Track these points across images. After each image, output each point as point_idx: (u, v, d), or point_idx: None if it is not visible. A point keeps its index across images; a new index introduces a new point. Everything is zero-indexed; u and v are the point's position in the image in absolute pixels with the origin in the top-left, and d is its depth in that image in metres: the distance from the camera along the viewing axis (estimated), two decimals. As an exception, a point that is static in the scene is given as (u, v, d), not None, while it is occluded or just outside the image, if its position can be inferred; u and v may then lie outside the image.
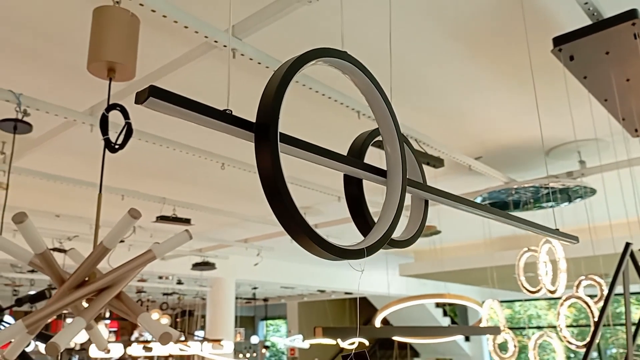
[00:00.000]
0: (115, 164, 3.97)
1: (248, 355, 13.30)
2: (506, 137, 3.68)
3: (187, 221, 4.59)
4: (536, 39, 2.40)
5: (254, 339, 12.63)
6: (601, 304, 3.65)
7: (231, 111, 0.74)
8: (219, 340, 5.44)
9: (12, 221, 1.45)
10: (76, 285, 1.62)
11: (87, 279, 1.69)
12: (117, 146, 1.76)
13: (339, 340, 11.76)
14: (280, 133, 0.74)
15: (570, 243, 1.70)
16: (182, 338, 5.47)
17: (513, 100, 3.09)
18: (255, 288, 11.51)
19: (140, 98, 0.63)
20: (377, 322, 4.91)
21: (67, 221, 5.31)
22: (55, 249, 5.89)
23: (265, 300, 14.29)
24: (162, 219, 4.49)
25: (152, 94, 0.61)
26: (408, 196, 1.18)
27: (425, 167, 3.40)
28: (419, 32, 2.41)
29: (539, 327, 13.51)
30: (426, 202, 1.27)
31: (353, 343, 11.75)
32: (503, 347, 4.21)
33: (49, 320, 1.61)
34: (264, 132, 0.73)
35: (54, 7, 2.18)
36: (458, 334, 4.37)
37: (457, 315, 14.65)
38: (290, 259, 9.35)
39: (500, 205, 4.62)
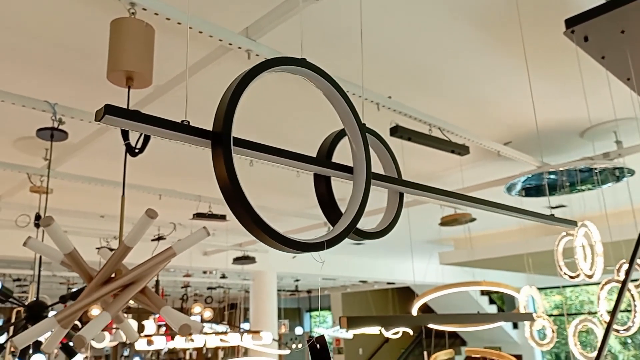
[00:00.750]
0: (152, 165, 4.13)
1: (294, 346, 13.50)
2: (536, 121, 3.62)
3: (222, 217, 4.72)
4: (557, 20, 2.36)
5: (299, 330, 12.82)
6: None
7: (189, 122, 0.80)
8: (258, 332, 5.59)
9: (41, 225, 1.56)
10: (103, 282, 1.73)
11: (114, 275, 1.80)
12: (137, 150, 1.87)
13: (382, 330, 11.81)
14: (237, 138, 0.80)
15: (570, 228, 1.69)
16: (207, 329, 5.66)
17: (540, 84, 3.04)
18: (297, 280, 11.67)
19: (98, 116, 0.70)
20: (414, 311, 4.92)
21: (112, 221, 5.55)
22: (101, 247, 6.16)
23: (309, 292, 14.46)
24: (199, 216, 4.64)
25: (107, 112, 0.68)
26: (385, 191, 1.22)
27: (450, 155, 3.40)
28: (437, 22, 2.41)
29: (590, 313, 13.13)
30: (401, 195, 1.30)
31: (397, 332, 11.79)
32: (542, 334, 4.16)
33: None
34: (218, 139, 0.79)
35: (77, 20, 2.30)
36: (487, 321, 4.33)
37: (505, 303, 14.40)
38: (330, 250, 9.44)
39: (536, 189, 4.54)
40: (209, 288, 10.33)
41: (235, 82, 0.88)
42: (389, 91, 3.00)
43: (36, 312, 2.53)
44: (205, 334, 5.25)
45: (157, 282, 5.82)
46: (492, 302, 13.89)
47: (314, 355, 1.10)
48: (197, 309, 5.58)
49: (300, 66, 1.03)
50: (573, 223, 1.70)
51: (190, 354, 8.92)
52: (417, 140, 3.09)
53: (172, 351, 14.66)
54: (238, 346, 7.72)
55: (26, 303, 2.60)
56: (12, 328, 3.03)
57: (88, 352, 14.72)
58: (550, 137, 3.90)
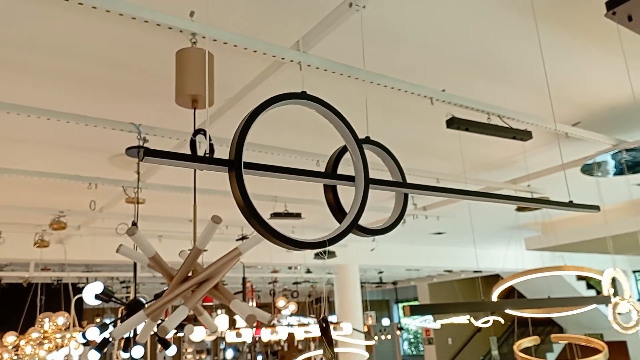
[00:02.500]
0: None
1: (383, 337, 13.65)
2: (605, 99, 3.51)
3: (298, 215, 4.97)
4: None
5: (385, 322, 12.94)
6: None
7: (209, 155, 0.99)
8: (338, 323, 5.79)
9: (127, 234, 1.84)
10: (182, 280, 1.99)
11: (190, 274, 2.06)
12: (204, 164, 2.11)
13: (471, 319, 11.64)
14: (247, 163, 0.98)
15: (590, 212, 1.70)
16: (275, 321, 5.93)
17: (602, 60, 2.98)
18: (380, 272, 11.79)
19: (140, 156, 0.91)
20: (494, 297, 4.89)
21: (199, 224, 5.99)
22: (182, 250, 6.66)
23: (394, 283, 14.52)
24: (276, 215, 4.92)
25: (146, 154, 0.88)
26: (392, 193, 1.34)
27: (513, 142, 3.40)
28: (486, 9, 2.46)
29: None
30: (405, 196, 1.41)
31: (487, 322, 11.55)
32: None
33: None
34: (231, 166, 0.97)
35: (154, 50, 2.60)
36: (563, 305, 4.22)
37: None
38: (412, 241, 9.48)
39: (616, 168, 4.36)
40: (294, 283, 10.73)
41: (244, 119, 1.06)
42: (444, 84, 3.07)
43: (134, 309, 2.87)
44: (290, 326, 5.54)
45: (244, 279, 6.20)
46: (590, 287, 13.21)
47: (322, 331, 1.26)
48: (281, 302, 5.89)
49: (301, 99, 1.19)
50: (595, 208, 1.71)
51: (282, 346, 9.33)
52: (475, 130, 3.13)
53: (266, 344, 15.34)
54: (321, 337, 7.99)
55: (126, 302, 2.96)
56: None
57: (190, 347, 15.71)
58: (623, 114, 3.76)
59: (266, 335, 5.69)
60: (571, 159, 4.24)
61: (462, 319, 11.14)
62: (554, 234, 7.64)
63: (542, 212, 5.83)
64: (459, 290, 13.76)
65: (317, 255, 7.64)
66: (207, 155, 1.00)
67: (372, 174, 1.55)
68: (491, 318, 11.02)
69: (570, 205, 1.68)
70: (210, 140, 2.11)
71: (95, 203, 4.24)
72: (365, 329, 12.49)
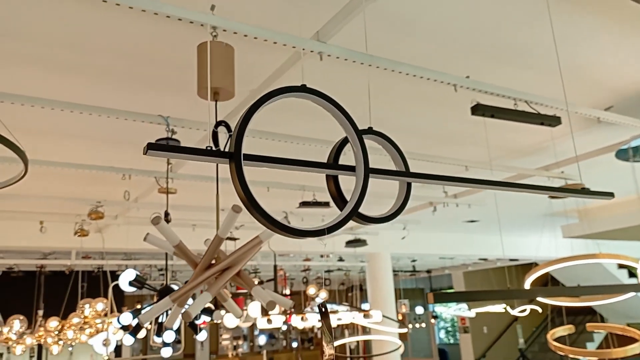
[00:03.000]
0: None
1: (417, 325, 13.62)
2: (638, 82, 3.40)
3: (326, 204, 5.01)
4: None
5: (419, 310, 12.91)
6: None
7: (211, 147, 1.03)
8: (367, 311, 5.84)
9: (151, 223, 1.91)
10: (205, 267, 2.06)
11: (214, 261, 2.13)
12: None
13: (508, 308, 11.48)
14: (248, 155, 1.02)
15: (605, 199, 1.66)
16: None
17: (634, 41, 2.88)
18: (414, 261, 11.75)
19: (144, 151, 0.96)
20: (527, 285, 4.83)
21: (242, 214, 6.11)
22: (227, 238, 6.80)
23: (429, 272, 14.44)
24: (304, 204, 4.97)
25: (150, 147, 0.93)
26: (395, 183, 1.36)
27: (542, 128, 3.34)
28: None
29: None
30: (408, 185, 1.42)
31: (524, 310, 11.38)
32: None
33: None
34: (232, 157, 1.01)
35: (179, 40, 2.67)
36: (597, 293, 4.12)
37: (647, 276, 13.20)
38: (446, 229, 9.40)
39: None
40: (326, 271, 10.82)
41: (245, 112, 1.10)
42: (467, 71, 3.04)
43: (165, 295, 2.98)
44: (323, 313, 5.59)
45: (275, 266, 6.30)
46: (632, 275, 12.82)
47: (322, 316, 1.29)
48: (311, 290, 5.97)
49: (301, 91, 1.21)
50: (609, 195, 1.67)
51: (316, 333, 9.44)
52: (501, 116, 3.09)
53: (301, 331, 15.54)
54: (360, 326, 8.07)
55: (158, 289, 3.08)
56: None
57: (227, 333, 16.05)
58: (659, 97, 3.63)
59: (297, 322, 5.78)
60: (604, 145, 4.13)
61: (498, 308, 11.00)
62: (590, 221, 7.45)
63: (578, 199, 5.69)
64: (494, 279, 13.57)
65: (348, 243, 7.68)
66: (208, 148, 1.04)
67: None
68: (528, 307, 10.84)
69: (583, 192, 1.65)
70: (230, 131, 2.17)
71: (129, 193, 4.39)
72: (400, 317, 12.50)
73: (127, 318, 2.79)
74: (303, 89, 1.28)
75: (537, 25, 2.70)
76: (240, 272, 2.10)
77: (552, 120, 3.21)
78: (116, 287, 3.77)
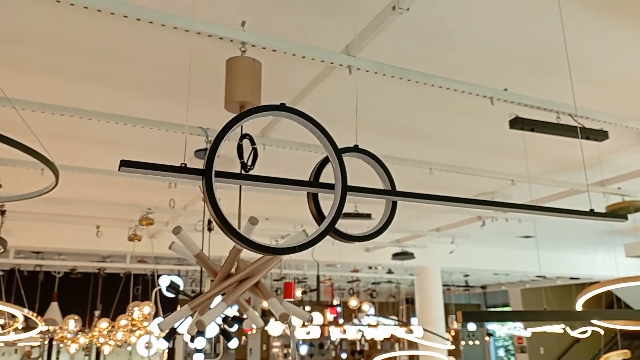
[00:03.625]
0: (299, 170, 4.56)
1: (470, 342, 13.21)
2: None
3: (368, 216, 4.98)
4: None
5: (471, 326, 12.51)
6: None
7: (186, 164, 1.05)
8: (408, 325, 5.72)
9: (172, 233, 1.98)
10: (225, 277, 2.10)
11: (234, 270, 2.17)
12: (249, 167, 2.21)
13: (567, 328, 10.94)
14: (223, 172, 1.03)
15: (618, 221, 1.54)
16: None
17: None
18: (466, 275, 11.43)
19: (120, 167, 0.99)
20: (578, 306, 4.59)
21: (277, 222, 6.20)
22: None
23: (483, 287, 13.99)
24: (345, 215, 4.97)
25: (122, 164, 0.96)
26: (382, 201, 1.33)
27: (588, 142, 3.19)
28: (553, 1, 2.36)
29: None
30: (394, 203, 1.39)
31: (584, 332, 10.79)
32: None
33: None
34: (203, 175, 1.03)
35: (215, 54, 2.76)
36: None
37: None
38: (499, 244, 9.10)
39: None
40: (373, 283, 10.72)
41: (219, 131, 1.12)
42: (506, 83, 2.95)
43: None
44: (364, 325, 5.56)
45: (318, 277, 6.32)
46: None
47: None
48: (353, 302, 5.94)
49: (280, 110, 1.22)
50: (622, 217, 1.56)
51: (363, 345, 9.37)
52: (542, 130, 2.98)
53: (352, 342, 15.46)
54: (408, 340, 7.93)
55: (192, 295, 3.16)
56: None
57: (278, 341, 16.15)
58: None
59: (336, 333, 5.77)
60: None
61: (556, 328, 10.51)
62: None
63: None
64: (553, 298, 12.97)
65: (395, 256, 7.59)
66: (183, 166, 1.07)
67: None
68: (589, 328, 10.29)
69: (592, 214, 1.56)
70: (254, 144, 2.21)
71: (175, 201, 4.54)
72: (452, 333, 12.17)
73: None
74: (282, 107, 1.29)
75: (581, 35, 2.59)
76: (259, 282, 2.13)
77: (599, 135, 3.06)
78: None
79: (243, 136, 2.19)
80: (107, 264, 8.08)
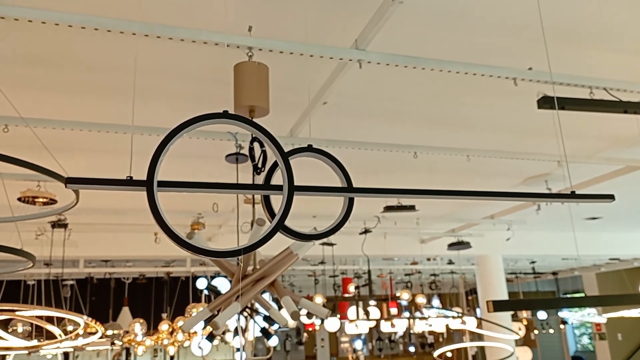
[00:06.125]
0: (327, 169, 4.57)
1: (544, 331, 12.72)
2: None
3: (411, 208, 4.93)
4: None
5: (542, 315, 12.02)
6: None
7: (131, 177, 1.09)
8: (461, 316, 5.58)
9: (187, 237, 2.05)
10: (241, 277, 2.16)
11: (251, 271, 2.23)
12: (260, 169, 2.26)
13: (646, 313, 10.30)
14: (165, 181, 1.07)
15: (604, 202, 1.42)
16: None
17: None
18: (533, 262, 11.00)
19: (66, 184, 1.05)
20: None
21: (325, 219, 6.23)
22: (324, 243, 6.96)
23: (555, 274, 13.40)
24: (389, 208, 4.93)
25: (68, 181, 1.02)
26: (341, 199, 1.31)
27: (625, 116, 3.00)
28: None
29: None
30: (351, 200, 1.36)
31: (666, 316, 10.11)
32: None
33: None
34: (144, 186, 1.06)
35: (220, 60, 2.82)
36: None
37: None
38: (565, 227, 8.69)
39: None
40: (432, 275, 10.54)
41: (161, 141, 1.16)
42: (531, 61, 2.83)
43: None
44: (408, 318, 5.50)
45: (369, 271, 6.30)
46: None
47: None
48: (405, 295, 5.88)
49: (223, 118, 1.24)
50: (610, 197, 1.44)
51: (427, 339, 9.24)
52: (574, 108, 2.83)
53: (421, 335, 15.27)
54: (474, 332, 7.75)
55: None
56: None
57: (346, 337, 16.23)
58: None
59: (386, 327, 5.74)
60: None
61: (634, 313, 9.89)
62: None
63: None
64: (629, 281, 12.22)
65: (450, 246, 7.43)
66: (128, 179, 1.12)
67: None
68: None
69: (573, 196, 1.46)
70: (262, 147, 2.25)
71: (218, 205, 4.68)
72: (524, 323, 11.75)
73: (199, 325, 3.01)
74: (225, 115, 1.31)
75: (614, 4, 2.44)
76: (275, 281, 2.17)
77: (637, 108, 2.87)
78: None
79: (253, 139, 2.24)
80: (170, 268, 8.45)
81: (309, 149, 1.51)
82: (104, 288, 8.79)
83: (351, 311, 5.89)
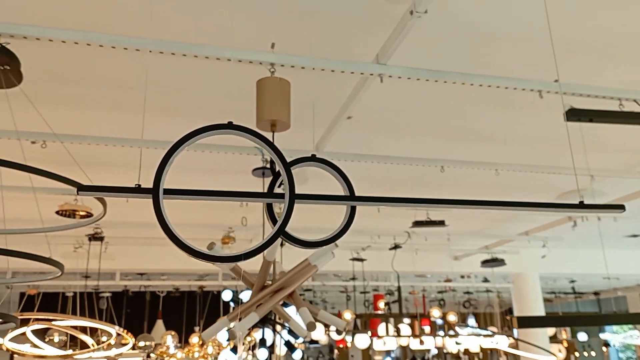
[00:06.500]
0: (368, 181, 4.56)
1: (586, 353, 12.23)
2: None
3: (441, 223, 4.87)
4: None
5: (582, 336, 11.56)
6: None
7: (140, 185, 1.13)
8: (492, 335, 5.44)
9: (207, 249, 2.10)
10: (260, 288, 2.20)
11: (269, 282, 2.26)
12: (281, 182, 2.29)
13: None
14: (171, 189, 1.10)
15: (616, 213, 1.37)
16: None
17: None
18: (572, 282, 10.64)
19: (78, 191, 1.10)
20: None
21: (355, 234, 6.23)
22: (354, 259, 6.94)
23: (596, 294, 12.91)
24: (418, 223, 4.89)
25: (80, 189, 1.07)
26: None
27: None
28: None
29: None
30: (353, 208, 1.36)
31: None
32: None
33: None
34: (151, 193, 1.10)
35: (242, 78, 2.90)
36: None
37: None
38: (606, 245, 8.40)
39: None
40: (465, 292, 10.31)
41: (168, 150, 1.20)
42: (555, 75, 2.79)
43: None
44: (436, 336, 5.40)
45: (399, 287, 6.23)
46: None
47: None
48: (435, 312, 5.78)
49: (228, 128, 1.27)
50: (620, 207, 1.39)
51: (460, 358, 9.04)
52: (602, 120, 2.78)
53: (456, 356, 14.92)
54: (510, 353, 7.53)
55: (256, 308, 3.29)
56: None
57: (379, 355, 16.01)
58: None
59: (415, 344, 5.65)
60: None
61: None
62: None
63: None
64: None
65: (484, 263, 7.29)
66: (137, 186, 1.17)
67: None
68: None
69: (582, 206, 1.42)
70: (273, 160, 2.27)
71: (247, 219, 4.74)
72: (565, 345, 11.32)
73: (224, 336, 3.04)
74: (230, 126, 1.35)
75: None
76: (293, 292, 2.19)
77: (671, 119, 2.78)
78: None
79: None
80: (203, 281, 8.57)
81: (312, 158, 1.53)
82: (139, 301, 8.98)
83: (381, 328, 5.83)
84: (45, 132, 2.91)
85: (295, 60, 2.42)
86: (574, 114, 2.78)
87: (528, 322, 2.89)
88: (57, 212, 4.34)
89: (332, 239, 1.49)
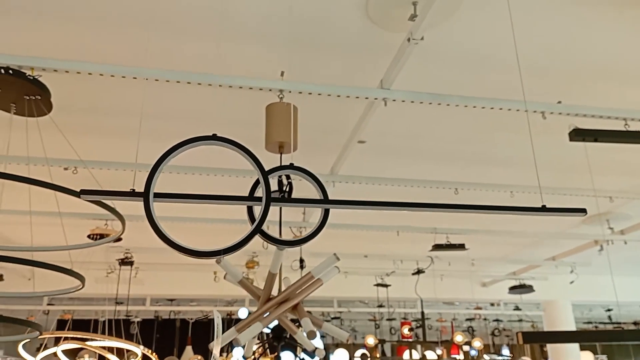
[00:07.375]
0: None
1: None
2: None
3: (461, 246, 4.89)
4: None
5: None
6: None
7: (134, 189, 1.27)
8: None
9: (216, 262, 2.23)
10: (266, 300, 2.31)
11: (274, 295, 2.37)
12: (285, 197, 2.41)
13: None
14: (160, 193, 1.24)
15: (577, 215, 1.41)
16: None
17: None
18: (609, 310, 10.29)
19: (79, 195, 1.25)
20: None
21: (377, 259, 6.27)
22: (378, 284, 6.96)
23: (636, 324, 12.41)
24: (437, 247, 4.92)
25: (82, 192, 1.21)
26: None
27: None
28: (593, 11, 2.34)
29: None
30: (326, 211, 1.46)
31: None
32: None
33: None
34: (142, 198, 1.24)
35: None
36: None
37: None
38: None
39: None
40: (494, 320, 10.09)
41: (157, 160, 1.34)
42: (560, 96, 2.87)
43: (278, 333, 3.27)
44: None
45: (422, 313, 6.20)
46: None
47: None
48: (458, 337, 5.71)
49: (212, 140, 1.41)
50: (582, 211, 1.44)
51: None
52: (607, 140, 2.82)
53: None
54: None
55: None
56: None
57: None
58: None
59: None
60: None
61: None
62: None
63: None
64: None
65: (511, 289, 7.18)
66: (131, 190, 1.31)
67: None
68: None
69: (544, 210, 1.47)
70: (289, 179, 2.41)
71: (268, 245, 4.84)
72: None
73: (238, 352, 3.14)
74: (214, 137, 1.48)
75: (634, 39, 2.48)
76: (297, 305, 2.29)
77: (679, 138, 2.80)
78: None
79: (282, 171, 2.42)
80: (232, 307, 8.69)
81: (289, 167, 1.66)
82: (169, 327, 9.15)
83: (405, 355, 5.79)
84: (73, 159, 3.13)
85: (303, 86, 2.58)
86: (578, 134, 2.83)
87: (532, 337, 2.87)
88: (89, 236, 4.58)
89: (305, 239, 1.60)
